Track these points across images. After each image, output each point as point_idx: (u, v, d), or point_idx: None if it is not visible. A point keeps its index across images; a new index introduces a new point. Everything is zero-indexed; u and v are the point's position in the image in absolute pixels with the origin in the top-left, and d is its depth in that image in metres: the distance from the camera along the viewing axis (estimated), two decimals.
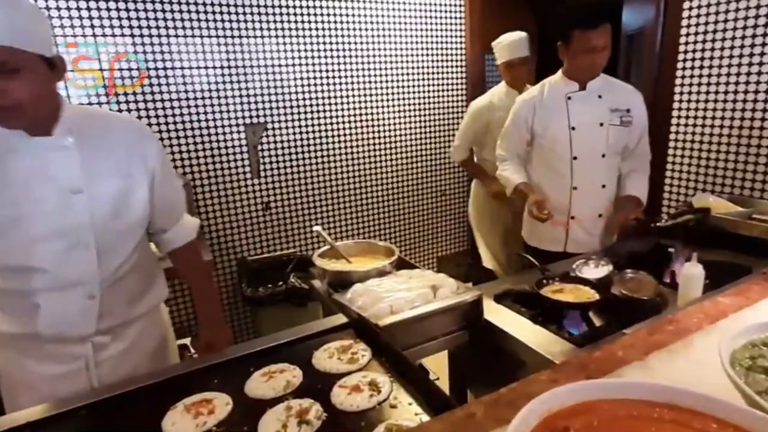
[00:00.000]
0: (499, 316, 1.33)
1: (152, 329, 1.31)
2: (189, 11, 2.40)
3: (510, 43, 2.56)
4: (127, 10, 2.27)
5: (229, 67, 2.56)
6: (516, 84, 2.63)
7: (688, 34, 2.31)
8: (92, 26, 2.23)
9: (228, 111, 2.61)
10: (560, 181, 1.90)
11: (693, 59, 2.30)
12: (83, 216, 1.07)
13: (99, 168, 1.09)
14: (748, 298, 0.98)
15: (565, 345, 1.18)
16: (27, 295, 1.08)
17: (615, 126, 1.86)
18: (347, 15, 2.79)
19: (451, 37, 3.16)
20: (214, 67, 2.52)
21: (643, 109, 1.91)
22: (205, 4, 2.42)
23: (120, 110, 2.35)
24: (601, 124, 1.84)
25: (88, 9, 2.20)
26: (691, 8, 2.27)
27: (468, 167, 2.91)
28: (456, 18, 3.14)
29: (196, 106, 2.52)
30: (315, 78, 2.79)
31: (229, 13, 2.49)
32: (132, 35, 2.31)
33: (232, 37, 2.52)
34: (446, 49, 3.16)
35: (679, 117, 2.42)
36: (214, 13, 2.45)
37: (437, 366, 1.41)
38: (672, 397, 0.49)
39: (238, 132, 2.66)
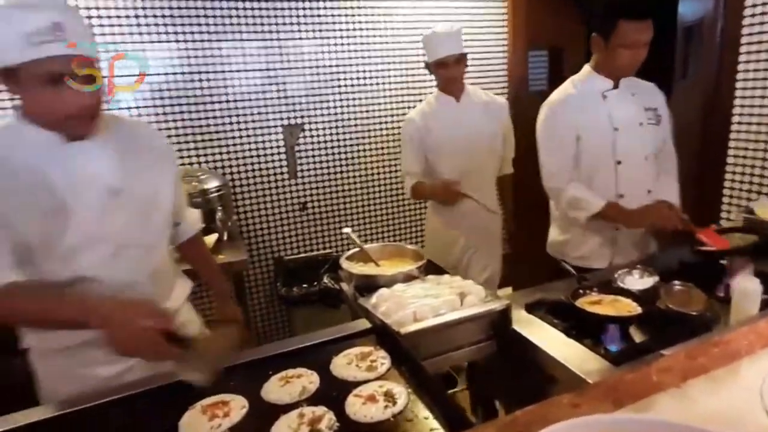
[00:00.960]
0: (529, 326, 1.27)
1: (192, 317, 1.38)
2: (231, 16, 2.46)
3: (441, 37, 2.07)
4: (180, 16, 2.36)
5: (268, 70, 2.60)
6: (451, 88, 2.15)
7: (751, 25, 2.11)
8: (141, 33, 2.33)
9: (266, 113, 2.65)
10: (603, 188, 1.72)
11: (758, 51, 2.11)
12: (125, 216, 1.10)
13: (134, 168, 1.13)
14: None
15: (601, 363, 1.10)
16: None
17: (652, 125, 1.72)
18: (386, 15, 2.77)
19: (494, 35, 3.06)
20: (254, 70, 2.58)
21: (666, 107, 1.79)
22: (245, 9, 2.48)
23: (165, 112, 2.45)
24: (641, 124, 1.71)
25: (136, 16, 2.31)
26: None
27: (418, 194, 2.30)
28: (498, 15, 3.05)
29: (236, 108, 2.59)
30: (352, 79, 2.79)
31: (268, 16, 2.53)
32: (177, 41, 2.40)
33: (271, 39, 2.57)
34: (488, 47, 3.07)
35: (741, 114, 2.23)
36: (254, 17, 2.50)
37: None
38: None
39: (276, 133, 2.70)
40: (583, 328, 1.23)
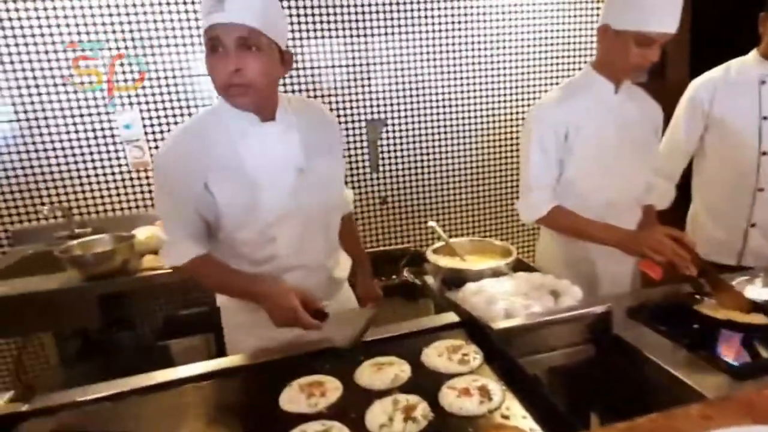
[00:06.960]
0: (633, 332, 1.17)
1: (349, 295, 1.48)
2: (321, 14, 2.54)
3: (662, 2, 1.28)
4: None
5: (354, 65, 2.65)
6: (630, 75, 1.45)
7: None
8: None
9: (350, 108, 2.71)
10: (742, 180, 1.62)
11: None
12: (310, 195, 1.18)
13: (314, 147, 1.19)
14: None
15: (719, 377, 0.99)
16: (271, 271, 1.21)
17: None
18: (470, 8, 2.71)
19: (585, 26, 2.88)
20: (340, 66, 2.64)
21: None
22: (328, 6, 2.53)
23: None
24: None
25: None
26: None
27: None
28: (591, 4, 2.86)
29: (322, 103, 2.67)
30: (435, 73, 2.76)
31: (355, 13, 2.58)
32: None
33: (357, 36, 2.61)
34: (580, 40, 2.89)
35: None
36: (336, 14, 2.56)
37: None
38: None
39: (360, 128, 2.75)
40: (696, 336, 1.12)
